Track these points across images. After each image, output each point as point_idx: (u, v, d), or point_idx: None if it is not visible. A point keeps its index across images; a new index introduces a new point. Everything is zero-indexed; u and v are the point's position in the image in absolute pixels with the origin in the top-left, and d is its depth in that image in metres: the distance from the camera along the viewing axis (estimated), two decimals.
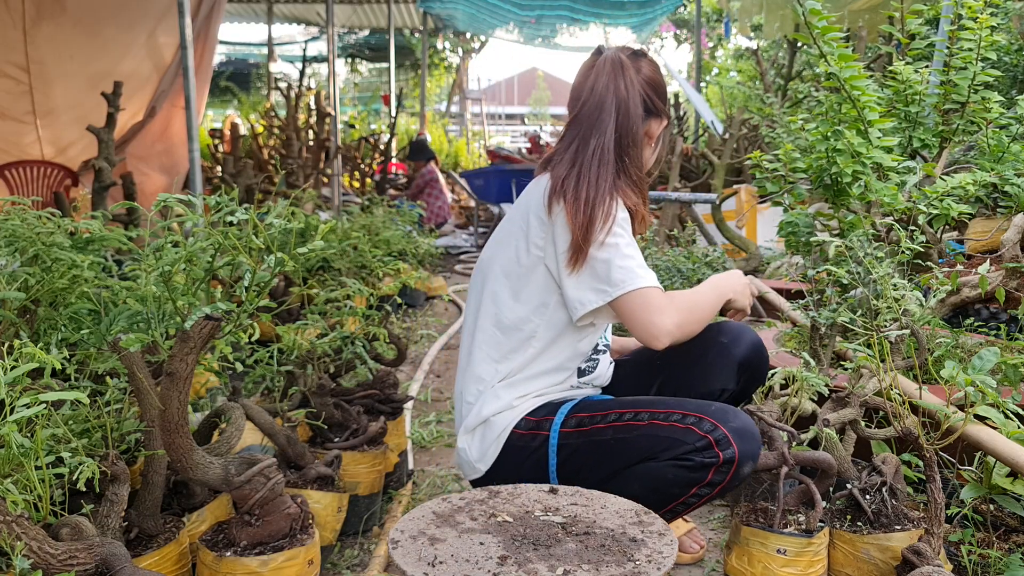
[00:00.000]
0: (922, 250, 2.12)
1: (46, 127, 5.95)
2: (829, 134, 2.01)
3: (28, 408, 1.13)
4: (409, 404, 2.98)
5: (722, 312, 1.90)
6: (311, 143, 7.16)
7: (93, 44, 5.97)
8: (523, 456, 1.71)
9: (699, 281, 3.06)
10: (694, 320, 1.74)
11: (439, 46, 16.72)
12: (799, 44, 6.80)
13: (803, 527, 1.62)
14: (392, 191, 8.55)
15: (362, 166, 8.79)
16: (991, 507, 1.86)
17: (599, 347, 1.89)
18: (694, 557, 1.98)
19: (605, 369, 1.92)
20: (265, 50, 12.98)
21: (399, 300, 3.09)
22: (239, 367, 2.08)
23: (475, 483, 1.80)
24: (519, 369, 1.75)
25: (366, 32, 15.08)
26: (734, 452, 1.53)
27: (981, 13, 2.07)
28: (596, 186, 1.69)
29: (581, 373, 1.85)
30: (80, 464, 1.29)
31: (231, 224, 1.38)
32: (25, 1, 5.53)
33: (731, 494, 2.22)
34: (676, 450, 1.57)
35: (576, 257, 1.66)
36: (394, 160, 9.15)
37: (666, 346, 1.65)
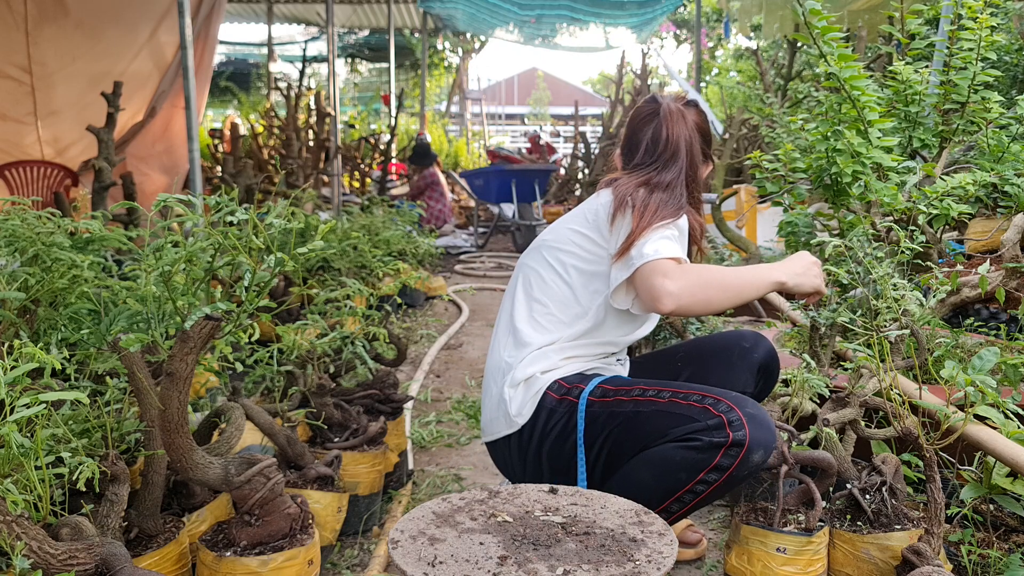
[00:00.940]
0: (922, 250, 2.12)
1: (47, 128, 5.96)
2: (829, 134, 2.01)
3: (28, 408, 1.13)
4: (409, 404, 2.98)
5: (790, 298, 1.93)
6: (311, 143, 7.16)
7: (95, 45, 5.99)
8: (553, 419, 1.76)
9: None
10: (708, 290, 1.71)
11: (439, 46, 16.73)
12: (799, 44, 6.80)
13: (803, 526, 1.62)
14: (392, 192, 8.55)
15: (362, 166, 8.79)
16: (991, 507, 1.86)
17: (619, 356, 1.97)
18: (697, 551, 1.97)
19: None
20: (265, 50, 12.98)
21: (399, 300, 3.09)
22: (239, 367, 2.08)
23: (499, 442, 1.86)
24: (567, 339, 1.84)
25: (366, 32, 15.08)
26: (745, 435, 1.52)
27: (981, 13, 2.07)
28: (668, 203, 1.80)
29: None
30: (80, 464, 1.29)
31: (231, 224, 1.38)
32: (27, 3, 5.54)
33: (731, 493, 2.22)
34: (687, 427, 1.58)
35: (628, 247, 1.74)
36: (394, 160, 9.15)
37: (670, 310, 1.66)
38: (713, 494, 1.59)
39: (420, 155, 8.62)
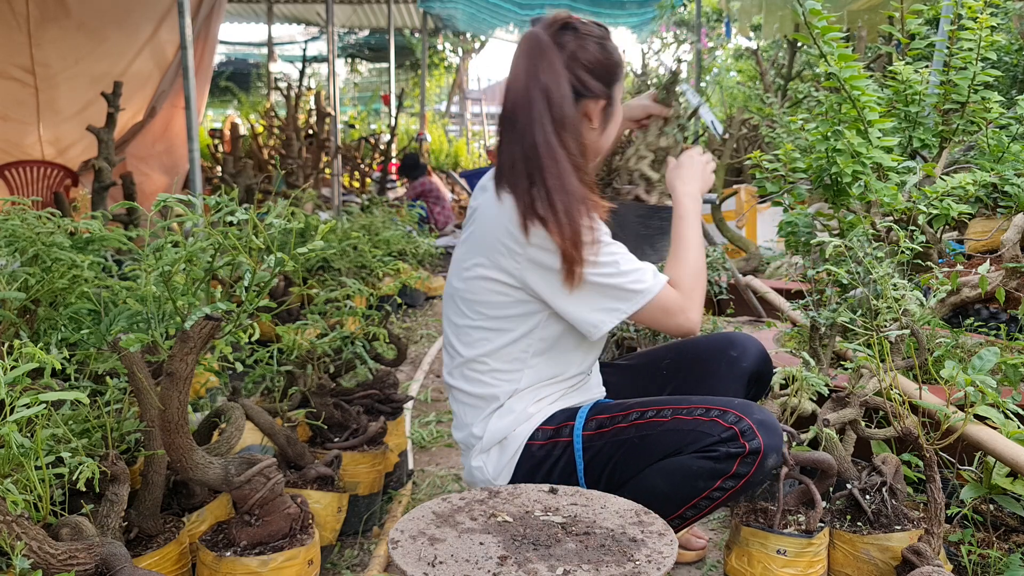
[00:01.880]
0: (922, 250, 2.12)
1: (49, 128, 5.97)
2: (829, 134, 2.01)
3: (28, 408, 1.13)
4: (409, 404, 2.98)
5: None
6: (311, 143, 7.16)
7: (97, 46, 6.00)
8: (545, 466, 1.67)
9: None
10: (703, 284, 1.73)
11: (439, 46, 16.72)
12: (799, 44, 6.80)
13: (803, 527, 1.62)
14: (390, 194, 8.54)
15: (362, 166, 8.78)
16: (991, 507, 1.86)
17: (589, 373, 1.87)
18: (698, 554, 1.97)
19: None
20: (265, 50, 12.97)
21: (399, 300, 3.09)
22: (239, 367, 2.08)
23: None
24: (526, 386, 1.71)
25: (366, 32, 15.08)
26: (760, 443, 1.51)
27: (981, 13, 2.07)
28: (566, 192, 1.58)
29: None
30: (80, 464, 1.29)
31: (231, 224, 1.38)
32: (29, 4, 5.55)
33: None
34: (701, 442, 1.54)
35: (571, 275, 1.58)
36: (394, 160, 9.15)
37: (697, 332, 1.71)
38: (729, 499, 1.58)
39: (409, 167, 8.53)
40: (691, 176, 1.82)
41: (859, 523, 1.67)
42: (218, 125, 10.93)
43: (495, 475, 1.70)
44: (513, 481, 1.69)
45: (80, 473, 1.28)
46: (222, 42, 13.85)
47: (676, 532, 1.61)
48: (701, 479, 1.55)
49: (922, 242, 1.99)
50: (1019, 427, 1.65)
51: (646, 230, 1.92)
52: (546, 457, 1.67)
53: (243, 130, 8.32)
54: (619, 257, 1.62)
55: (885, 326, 1.71)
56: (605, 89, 1.68)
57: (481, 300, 1.67)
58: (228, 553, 1.53)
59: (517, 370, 1.69)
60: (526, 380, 1.70)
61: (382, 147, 9.00)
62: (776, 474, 1.64)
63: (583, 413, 1.68)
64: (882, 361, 1.64)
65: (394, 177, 9.18)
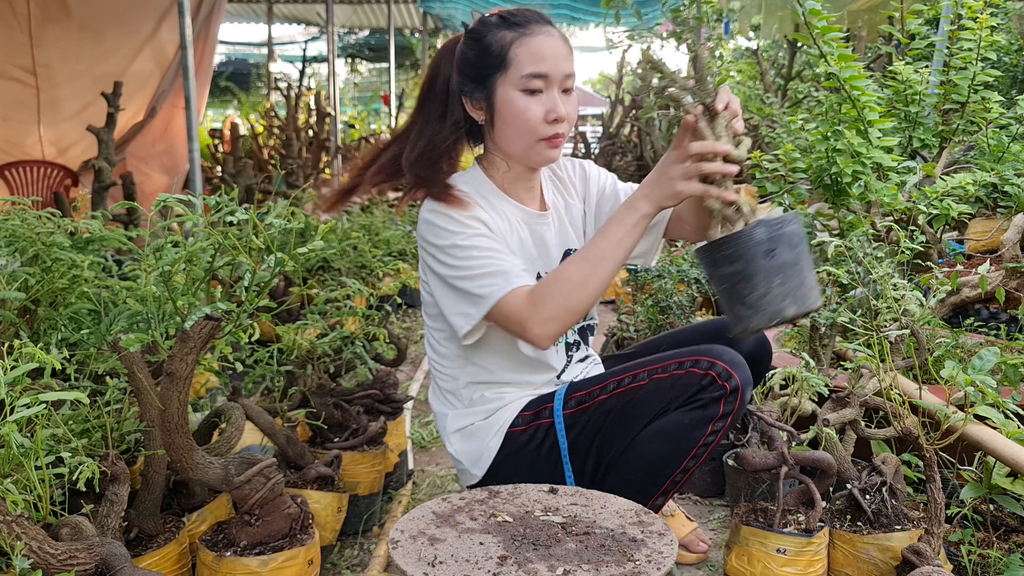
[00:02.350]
0: (922, 250, 2.12)
1: (50, 129, 5.97)
2: (829, 134, 2.01)
3: (28, 408, 1.13)
4: (409, 404, 2.98)
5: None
6: (311, 143, 7.17)
7: (99, 46, 6.01)
8: (528, 450, 1.69)
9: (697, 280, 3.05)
10: (567, 301, 1.54)
11: (439, 46, 16.71)
12: (799, 44, 6.80)
13: (803, 527, 1.62)
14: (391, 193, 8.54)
15: None
16: (991, 507, 1.86)
17: (568, 341, 1.83)
18: (699, 557, 1.97)
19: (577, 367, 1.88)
20: (265, 50, 12.97)
21: (399, 300, 3.09)
22: (239, 367, 2.08)
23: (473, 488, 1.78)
24: (478, 380, 1.75)
25: (366, 32, 15.08)
26: (736, 381, 1.55)
27: (981, 13, 2.07)
28: (431, 194, 1.67)
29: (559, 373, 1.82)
30: (80, 464, 1.29)
31: (231, 224, 1.38)
32: (30, 5, 5.56)
33: (730, 493, 2.22)
34: (684, 395, 1.58)
35: (436, 275, 1.65)
36: None
37: (548, 345, 1.60)
38: (720, 439, 1.61)
39: None
40: (650, 178, 1.56)
41: (859, 523, 1.67)
42: (218, 125, 10.93)
43: (473, 463, 1.73)
44: (493, 469, 1.71)
45: (80, 473, 1.28)
46: (222, 42, 13.85)
47: (679, 488, 1.65)
48: (695, 429, 1.58)
49: (922, 242, 1.99)
50: (1019, 427, 1.65)
51: (741, 266, 1.38)
52: (528, 441, 1.69)
53: (243, 130, 8.32)
54: (478, 260, 1.59)
55: (885, 326, 1.71)
56: (475, 85, 1.67)
57: (423, 300, 1.76)
58: (228, 553, 1.53)
59: (461, 366, 1.75)
60: (471, 375, 1.74)
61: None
62: (770, 472, 1.65)
63: (561, 393, 1.70)
64: (882, 361, 1.64)
65: None
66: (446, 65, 1.71)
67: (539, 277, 1.74)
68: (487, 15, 1.70)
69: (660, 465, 1.57)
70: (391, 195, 8.49)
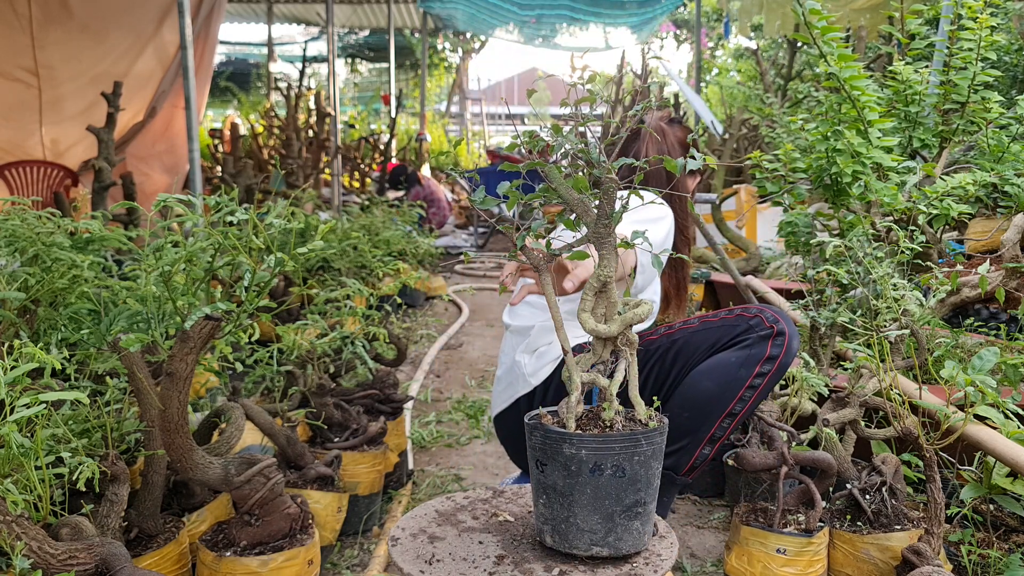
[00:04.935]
0: (922, 250, 2.12)
1: (52, 129, 5.97)
2: (829, 134, 2.01)
3: (28, 408, 1.13)
4: (409, 404, 2.98)
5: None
6: (311, 143, 7.16)
7: (100, 47, 6.01)
8: None
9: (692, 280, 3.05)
10: None
11: (439, 46, 16.71)
12: (799, 44, 6.80)
13: (803, 527, 1.62)
14: (391, 193, 8.54)
15: (362, 166, 8.78)
16: (991, 507, 1.85)
17: None
18: None
19: None
20: (265, 50, 12.97)
21: (399, 300, 3.09)
22: (239, 367, 2.08)
23: (508, 411, 1.93)
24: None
25: (366, 32, 15.07)
26: (784, 326, 1.67)
27: (981, 13, 2.07)
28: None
29: None
30: (80, 464, 1.29)
31: (231, 224, 1.38)
32: (32, 6, 5.56)
33: (730, 493, 2.22)
34: (732, 333, 1.69)
35: None
36: (394, 160, 9.15)
37: None
38: (767, 387, 1.68)
39: (399, 181, 8.46)
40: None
41: (859, 523, 1.67)
42: (218, 125, 10.93)
43: (532, 372, 1.89)
44: (548, 381, 1.86)
45: (80, 473, 1.28)
46: (222, 42, 13.84)
47: (726, 437, 1.72)
48: (741, 367, 1.66)
49: (922, 242, 1.99)
50: (1019, 427, 1.65)
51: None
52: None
53: (243, 130, 8.32)
54: None
55: (885, 326, 1.71)
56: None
57: None
58: (228, 553, 1.53)
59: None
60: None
61: (382, 147, 9.00)
62: (770, 472, 1.65)
63: None
64: (882, 361, 1.64)
65: None
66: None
67: None
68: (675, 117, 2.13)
69: (706, 405, 1.66)
70: (391, 195, 8.46)
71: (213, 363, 1.88)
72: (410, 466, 2.56)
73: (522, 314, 2.00)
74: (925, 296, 1.78)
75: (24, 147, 5.84)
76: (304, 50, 14.21)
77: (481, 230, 8.55)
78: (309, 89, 9.67)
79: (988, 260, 1.96)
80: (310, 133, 7.47)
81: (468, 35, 15.92)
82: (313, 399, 2.17)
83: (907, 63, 2.29)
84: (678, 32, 14.77)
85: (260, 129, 8.06)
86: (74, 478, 1.28)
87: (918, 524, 1.64)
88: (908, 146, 2.30)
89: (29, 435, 1.23)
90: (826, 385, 1.78)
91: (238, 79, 14.56)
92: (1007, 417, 1.63)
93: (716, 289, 4.32)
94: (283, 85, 8.99)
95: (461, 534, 1.25)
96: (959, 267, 2.30)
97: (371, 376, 2.40)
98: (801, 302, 2.01)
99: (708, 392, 1.68)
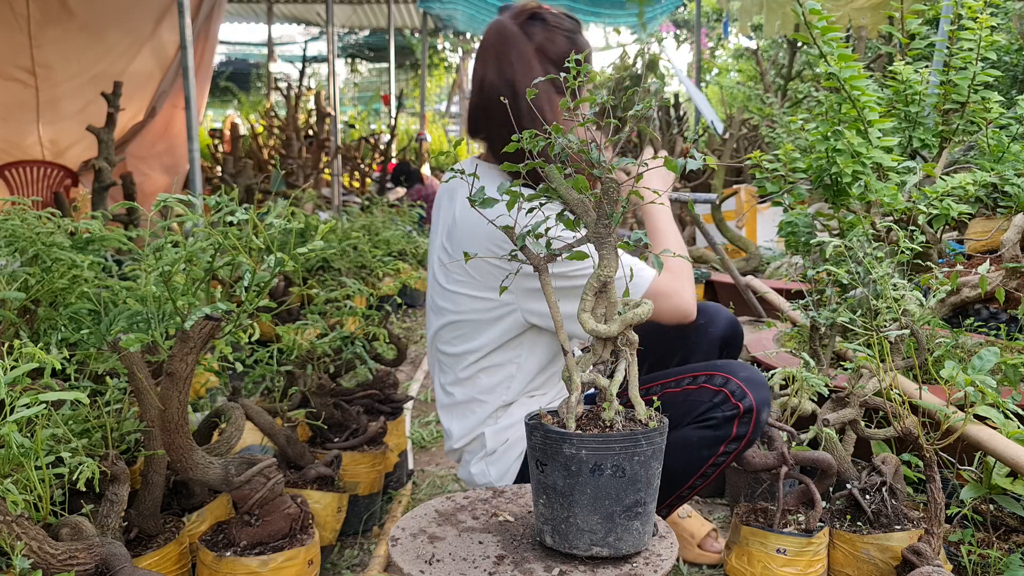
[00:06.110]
0: (922, 250, 2.12)
1: (50, 129, 5.97)
2: (829, 134, 2.01)
3: (28, 408, 1.13)
4: (409, 404, 2.98)
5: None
6: (311, 143, 7.16)
7: (99, 46, 6.00)
8: None
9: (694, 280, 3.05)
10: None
11: (439, 46, 16.71)
12: (799, 44, 6.80)
13: (803, 527, 1.62)
14: (391, 194, 8.54)
15: (362, 166, 8.78)
16: (991, 507, 1.86)
17: None
18: (714, 557, 1.95)
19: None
20: (265, 50, 12.97)
21: (399, 300, 3.09)
22: (239, 367, 2.08)
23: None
24: (521, 390, 1.76)
25: (366, 32, 15.08)
26: (751, 401, 1.53)
27: (981, 13, 2.07)
28: None
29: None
30: (80, 464, 1.29)
31: (231, 224, 1.37)
32: (30, 5, 5.55)
33: (730, 493, 2.22)
34: (695, 411, 1.56)
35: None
36: (394, 160, 9.14)
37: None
38: (733, 459, 1.60)
39: (402, 179, 8.46)
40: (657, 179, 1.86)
41: (859, 523, 1.67)
42: (218, 125, 10.92)
43: (498, 477, 1.74)
44: (518, 481, 1.72)
45: (80, 473, 1.28)
46: (222, 42, 13.85)
47: (686, 502, 1.65)
48: (704, 448, 1.57)
49: (922, 242, 1.99)
50: (1019, 427, 1.65)
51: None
52: None
53: (243, 130, 8.31)
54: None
55: (885, 326, 1.71)
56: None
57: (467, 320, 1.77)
58: (228, 553, 1.53)
59: (501, 383, 1.76)
60: (518, 388, 1.75)
61: (382, 147, 9.00)
62: (770, 472, 1.65)
63: None
64: (882, 361, 1.64)
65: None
66: (517, 60, 1.69)
67: None
68: (554, 10, 1.70)
69: (668, 481, 1.53)
70: (392, 195, 8.45)
71: (213, 363, 1.88)
72: (410, 466, 2.56)
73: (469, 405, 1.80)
74: (925, 296, 1.77)
75: (22, 147, 5.84)
76: (304, 50, 14.21)
77: None
78: (309, 89, 9.66)
79: (988, 260, 1.96)
80: (310, 133, 7.47)
81: (468, 35, 15.92)
82: (313, 399, 2.17)
83: (907, 63, 2.29)
84: (678, 32, 14.77)
85: (260, 129, 8.06)
86: (74, 478, 1.28)
87: (918, 524, 1.64)
88: (908, 146, 2.30)
89: (29, 435, 1.23)
90: (826, 385, 1.78)
91: (238, 79, 14.57)
92: (1007, 417, 1.63)
93: (716, 289, 4.33)
94: (283, 85, 8.98)
95: (461, 534, 1.25)
96: (959, 267, 2.30)
97: (371, 376, 2.40)
98: (801, 302, 2.01)
99: (669, 470, 1.58)
